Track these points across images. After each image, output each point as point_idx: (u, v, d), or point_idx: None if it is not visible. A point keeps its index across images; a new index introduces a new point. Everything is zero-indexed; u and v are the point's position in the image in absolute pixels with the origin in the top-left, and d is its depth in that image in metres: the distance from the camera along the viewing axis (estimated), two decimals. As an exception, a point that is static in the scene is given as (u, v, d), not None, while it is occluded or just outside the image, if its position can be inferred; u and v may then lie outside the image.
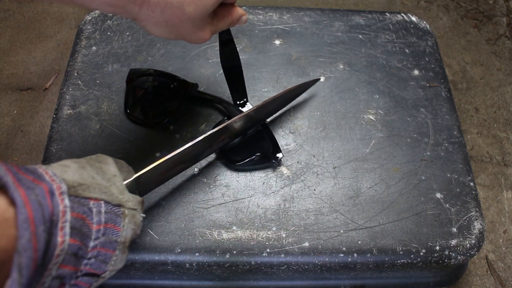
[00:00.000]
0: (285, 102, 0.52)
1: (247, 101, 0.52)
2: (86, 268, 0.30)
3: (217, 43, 0.48)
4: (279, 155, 0.48)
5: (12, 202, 0.25)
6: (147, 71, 0.53)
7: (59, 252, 0.27)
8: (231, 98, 0.52)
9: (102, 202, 0.31)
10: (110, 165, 0.36)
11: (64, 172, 0.30)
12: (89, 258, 0.30)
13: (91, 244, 0.30)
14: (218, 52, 0.48)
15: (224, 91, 0.54)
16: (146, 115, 0.51)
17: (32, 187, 0.26)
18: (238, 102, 0.52)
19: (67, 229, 0.27)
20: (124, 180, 0.36)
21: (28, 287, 0.26)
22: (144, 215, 0.37)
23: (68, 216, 0.28)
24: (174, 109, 0.51)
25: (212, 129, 0.43)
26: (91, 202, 0.30)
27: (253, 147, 0.49)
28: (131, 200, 0.35)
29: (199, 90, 0.53)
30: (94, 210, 0.30)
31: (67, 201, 0.28)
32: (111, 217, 0.32)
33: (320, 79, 0.55)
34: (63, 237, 0.27)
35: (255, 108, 0.46)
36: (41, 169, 0.29)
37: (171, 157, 0.40)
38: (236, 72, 0.50)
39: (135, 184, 0.38)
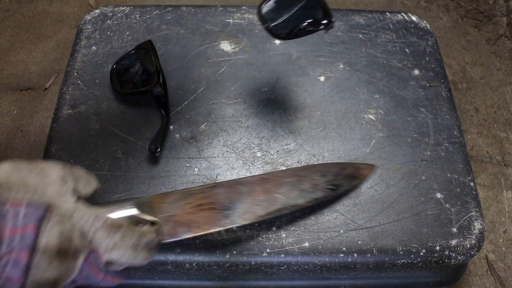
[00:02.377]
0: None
1: None
2: (5, 274, 0.27)
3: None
4: (331, 19, 0.44)
5: None
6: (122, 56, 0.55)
7: None
8: (227, 97, 0.52)
9: (24, 204, 0.28)
10: (56, 170, 0.32)
11: None
12: (4, 265, 0.27)
13: (2, 250, 0.27)
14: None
15: (224, 91, 0.54)
16: (133, 86, 0.52)
17: None
18: None
19: None
20: (77, 190, 0.33)
21: None
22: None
23: None
24: (155, 71, 0.51)
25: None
26: (8, 204, 0.28)
27: (301, 17, 0.45)
28: (69, 206, 0.31)
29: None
30: (11, 212, 0.28)
31: None
32: (33, 219, 0.28)
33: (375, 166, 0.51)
34: None
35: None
36: None
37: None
38: None
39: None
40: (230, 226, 0.41)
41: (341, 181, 0.46)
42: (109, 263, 0.32)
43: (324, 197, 0.45)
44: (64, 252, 0.30)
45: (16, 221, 0.27)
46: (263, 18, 0.44)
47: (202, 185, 0.44)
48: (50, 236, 0.29)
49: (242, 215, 0.41)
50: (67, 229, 0.30)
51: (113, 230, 0.31)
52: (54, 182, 0.31)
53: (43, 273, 0.28)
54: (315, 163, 0.49)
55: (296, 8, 0.45)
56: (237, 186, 0.43)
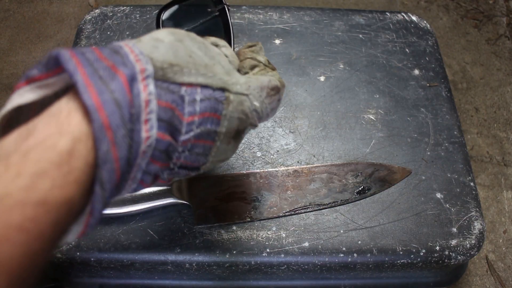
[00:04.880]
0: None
1: None
2: (181, 161, 0.26)
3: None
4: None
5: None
6: None
7: (145, 149, 0.23)
8: None
9: (199, 87, 0.26)
10: (214, 47, 0.29)
11: (154, 49, 0.25)
12: (182, 152, 0.26)
13: (182, 138, 0.26)
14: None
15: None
16: None
17: (106, 82, 0.22)
18: None
19: (154, 122, 0.23)
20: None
21: (116, 193, 0.23)
22: (257, 105, 0.30)
23: (154, 105, 0.23)
24: None
25: None
26: (183, 88, 0.25)
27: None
28: (241, 83, 0.29)
29: None
30: (187, 98, 0.25)
31: (152, 88, 0.23)
32: (209, 104, 0.26)
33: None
34: (149, 132, 0.23)
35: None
36: (127, 46, 0.24)
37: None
38: None
39: None
40: (256, 219, 0.42)
41: (372, 184, 0.47)
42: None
43: (350, 199, 0.46)
44: (240, 132, 0.30)
45: (193, 107, 0.26)
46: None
47: (237, 173, 0.45)
48: (230, 122, 0.28)
49: (268, 208, 0.43)
50: (243, 113, 0.29)
51: (272, 94, 0.31)
52: (220, 58, 0.29)
53: (221, 155, 0.29)
54: (315, 163, 0.49)
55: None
56: (269, 178, 0.45)
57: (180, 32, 0.27)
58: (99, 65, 0.22)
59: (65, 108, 0.21)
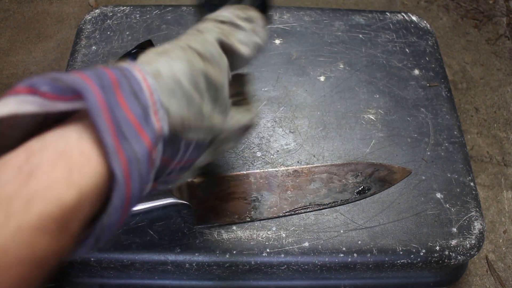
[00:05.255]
0: None
1: None
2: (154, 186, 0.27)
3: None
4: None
5: (110, 167, 0.20)
6: None
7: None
8: None
9: (194, 142, 0.26)
10: (250, 17, 0.29)
11: (172, 96, 0.23)
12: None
13: (162, 178, 0.26)
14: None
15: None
16: None
17: (131, 143, 0.20)
18: None
19: (152, 177, 0.23)
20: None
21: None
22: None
23: (157, 163, 0.24)
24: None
25: None
26: (183, 142, 0.25)
27: None
28: (227, 129, 0.29)
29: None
30: (182, 150, 0.26)
31: (160, 147, 0.23)
32: (197, 151, 0.27)
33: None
34: (146, 189, 0.23)
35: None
36: (147, 86, 0.22)
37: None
38: None
39: None
40: (256, 219, 0.42)
41: (372, 184, 0.47)
42: None
43: (350, 199, 0.46)
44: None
45: (185, 155, 0.26)
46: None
47: (237, 173, 0.46)
48: (201, 160, 0.29)
49: (269, 208, 0.43)
50: (218, 155, 0.30)
51: (245, 133, 0.32)
52: (222, 101, 0.28)
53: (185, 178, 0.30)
54: (315, 163, 0.49)
55: None
56: (269, 178, 0.45)
57: (195, 64, 0.25)
58: (123, 119, 0.20)
59: (76, 148, 0.19)
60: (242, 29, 0.29)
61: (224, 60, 0.28)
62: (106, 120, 0.19)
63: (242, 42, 0.29)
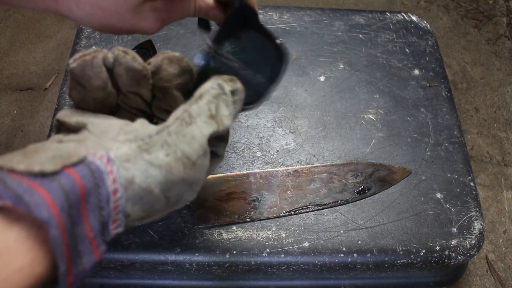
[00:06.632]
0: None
1: None
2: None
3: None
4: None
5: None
6: None
7: None
8: None
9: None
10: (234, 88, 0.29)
11: (135, 205, 0.23)
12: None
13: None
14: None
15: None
16: None
17: (81, 266, 0.21)
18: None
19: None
20: None
21: None
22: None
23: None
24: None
25: None
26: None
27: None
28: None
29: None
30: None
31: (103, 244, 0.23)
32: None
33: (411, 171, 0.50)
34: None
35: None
36: (115, 206, 0.22)
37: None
38: None
39: None
40: (256, 219, 0.42)
41: (372, 184, 0.47)
42: None
43: (350, 199, 0.46)
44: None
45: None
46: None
47: (237, 173, 0.46)
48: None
49: (269, 208, 0.43)
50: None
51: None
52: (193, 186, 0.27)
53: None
54: (315, 163, 0.49)
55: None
56: (269, 178, 0.45)
57: (175, 173, 0.24)
58: (81, 237, 0.20)
59: (13, 249, 0.18)
60: (228, 104, 0.29)
61: (207, 160, 0.26)
62: (65, 251, 0.19)
63: (226, 117, 0.28)
